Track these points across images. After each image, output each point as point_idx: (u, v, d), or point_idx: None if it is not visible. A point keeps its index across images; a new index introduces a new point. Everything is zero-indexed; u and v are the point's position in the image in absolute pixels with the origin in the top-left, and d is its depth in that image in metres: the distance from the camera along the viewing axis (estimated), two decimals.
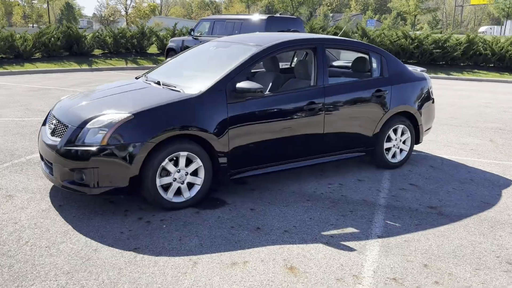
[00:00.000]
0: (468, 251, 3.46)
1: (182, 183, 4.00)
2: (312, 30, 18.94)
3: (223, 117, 4.06)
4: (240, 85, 4.09)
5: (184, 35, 18.86)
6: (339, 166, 5.39)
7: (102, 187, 3.73)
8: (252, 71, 5.91)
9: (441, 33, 20.53)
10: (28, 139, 6.17)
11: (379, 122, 5.08)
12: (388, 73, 5.22)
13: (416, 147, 6.32)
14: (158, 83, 4.52)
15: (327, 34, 18.83)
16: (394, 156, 5.39)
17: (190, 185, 4.07)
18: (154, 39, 19.60)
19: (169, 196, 3.96)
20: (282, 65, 6.14)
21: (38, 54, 16.34)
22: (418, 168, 5.46)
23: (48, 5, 48.63)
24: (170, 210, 3.98)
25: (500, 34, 51.05)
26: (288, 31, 12.11)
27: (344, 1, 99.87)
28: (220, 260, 3.21)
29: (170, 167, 3.90)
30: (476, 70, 17.37)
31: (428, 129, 5.84)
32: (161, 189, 3.91)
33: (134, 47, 18.83)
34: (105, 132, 3.68)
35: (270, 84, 5.28)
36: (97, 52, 18.36)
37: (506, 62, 17.16)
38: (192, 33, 15.32)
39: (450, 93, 12.60)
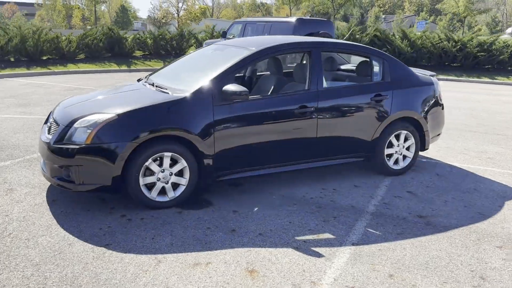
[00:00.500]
0: (442, 263, 3.33)
1: (167, 183, 4.09)
2: (351, 33, 18.61)
3: (208, 119, 4.12)
4: (226, 88, 4.14)
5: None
6: (340, 171, 5.30)
7: (87, 184, 3.89)
8: (258, 73, 5.96)
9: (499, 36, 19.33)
10: None
11: (378, 127, 4.96)
12: (390, 78, 5.09)
13: (426, 154, 6.11)
14: (153, 85, 4.65)
15: (366, 36, 18.45)
16: (396, 162, 5.24)
17: (175, 185, 4.16)
18: (193, 41, 20.06)
19: (153, 195, 4.06)
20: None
21: (81, 55, 17.10)
22: (422, 176, 5.28)
23: (95, 7, 50.60)
24: (153, 209, 4.07)
25: None
26: (318, 33, 12.01)
27: (398, 2, 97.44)
28: (184, 260, 3.26)
29: (154, 167, 3.99)
30: None
31: (437, 135, 5.63)
32: (145, 188, 4.02)
33: (173, 48, 19.36)
34: (90, 131, 3.84)
35: (272, 87, 5.28)
36: (138, 53, 19.01)
37: None
38: (225, 35, 15.49)
39: (489, 98, 12.06)
